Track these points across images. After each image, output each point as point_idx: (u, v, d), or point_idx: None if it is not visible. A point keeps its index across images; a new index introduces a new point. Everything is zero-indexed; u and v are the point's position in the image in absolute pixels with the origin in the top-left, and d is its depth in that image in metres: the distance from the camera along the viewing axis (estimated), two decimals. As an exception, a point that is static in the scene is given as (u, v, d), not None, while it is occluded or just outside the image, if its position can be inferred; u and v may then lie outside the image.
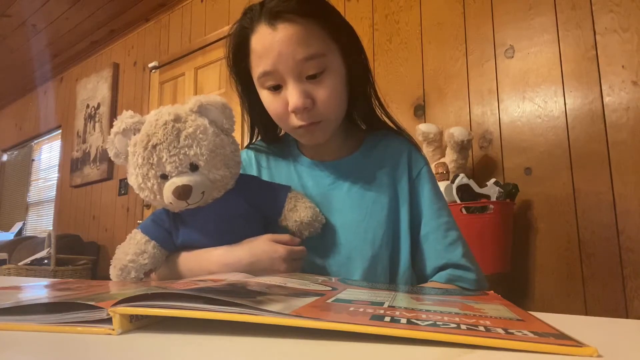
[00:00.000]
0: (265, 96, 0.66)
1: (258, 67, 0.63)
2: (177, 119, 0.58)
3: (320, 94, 0.62)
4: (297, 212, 0.64)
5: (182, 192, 0.56)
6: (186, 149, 0.56)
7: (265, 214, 0.67)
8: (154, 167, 0.57)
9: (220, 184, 0.60)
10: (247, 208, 0.65)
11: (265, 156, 0.80)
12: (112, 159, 0.62)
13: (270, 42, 0.61)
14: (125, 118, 0.60)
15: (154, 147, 0.56)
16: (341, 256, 0.67)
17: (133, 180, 0.60)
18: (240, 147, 0.65)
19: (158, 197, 0.59)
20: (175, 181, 0.57)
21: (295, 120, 0.64)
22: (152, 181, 0.58)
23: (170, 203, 0.58)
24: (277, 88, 0.63)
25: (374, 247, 0.67)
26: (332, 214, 0.69)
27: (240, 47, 0.67)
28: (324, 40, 0.63)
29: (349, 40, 0.67)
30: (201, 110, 0.60)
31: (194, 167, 0.58)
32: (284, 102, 0.63)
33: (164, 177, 0.58)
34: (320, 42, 0.62)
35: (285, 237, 0.63)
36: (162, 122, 0.57)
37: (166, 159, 0.56)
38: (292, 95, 0.61)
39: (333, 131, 0.69)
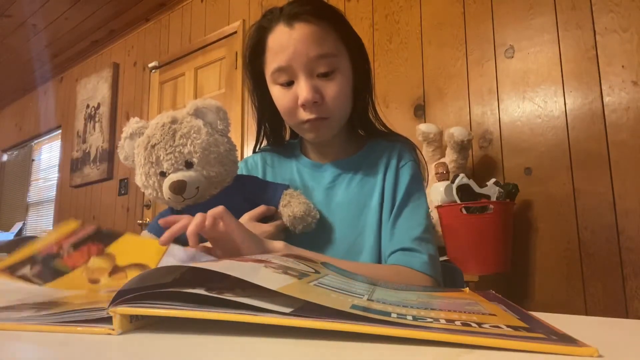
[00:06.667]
0: (276, 91, 0.69)
1: (273, 63, 0.67)
2: (174, 121, 0.64)
3: (329, 91, 0.66)
4: (291, 207, 0.67)
5: (177, 187, 0.61)
6: (181, 147, 0.62)
7: None
8: (153, 165, 0.63)
9: (215, 180, 0.65)
10: (244, 204, 0.67)
11: (271, 156, 0.83)
12: (122, 162, 0.69)
13: (287, 40, 0.65)
14: (132, 124, 0.67)
15: (153, 146, 0.62)
16: (340, 250, 0.70)
17: (138, 180, 0.66)
18: (239, 150, 0.67)
19: (159, 194, 0.64)
20: (171, 177, 0.62)
21: (303, 114, 0.67)
22: (153, 179, 0.64)
23: (169, 198, 0.63)
24: (288, 84, 0.67)
25: (370, 240, 0.70)
26: (332, 210, 0.73)
27: (257, 45, 0.71)
28: (336, 43, 0.67)
29: (358, 49, 0.72)
30: (197, 113, 0.65)
31: (189, 165, 0.63)
32: (294, 97, 0.66)
33: (163, 174, 0.63)
34: (333, 43, 0.67)
35: (260, 209, 0.66)
36: (160, 124, 0.63)
37: (163, 157, 0.62)
38: (303, 89, 0.65)
39: (337, 130, 0.72)
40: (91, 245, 0.52)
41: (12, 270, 0.48)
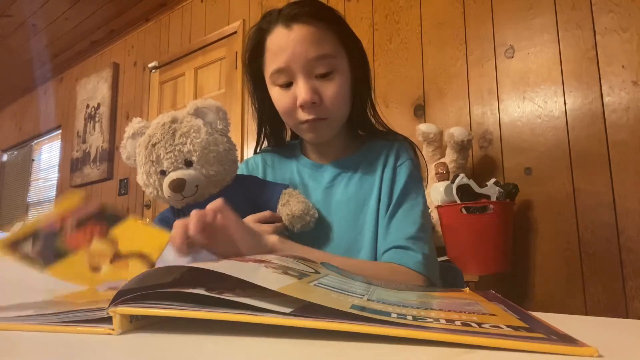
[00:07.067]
0: (276, 93, 0.70)
1: (272, 65, 0.68)
2: (174, 120, 0.65)
3: (327, 91, 0.66)
4: (289, 206, 0.68)
5: (177, 185, 0.62)
6: (180, 146, 0.63)
7: (262, 209, 0.70)
8: (154, 164, 0.64)
9: (215, 179, 0.66)
10: (244, 204, 0.68)
11: (271, 157, 0.84)
12: (125, 161, 0.69)
13: (285, 41, 0.65)
14: (134, 124, 0.68)
15: (153, 145, 0.63)
16: (340, 248, 0.70)
17: (139, 179, 0.67)
18: (239, 150, 0.68)
19: (160, 192, 0.65)
20: (171, 175, 0.63)
21: (302, 115, 0.68)
22: (153, 177, 0.65)
23: (169, 197, 0.64)
24: (287, 85, 0.67)
25: (369, 239, 0.70)
26: (331, 209, 0.73)
27: (256, 47, 0.71)
28: (335, 44, 0.67)
29: (357, 51, 0.72)
30: (197, 113, 0.66)
31: (188, 163, 0.64)
32: (293, 98, 0.67)
33: (163, 173, 0.64)
34: (332, 45, 0.67)
35: (266, 213, 0.67)
36: (161, 123, 0.64)
37: (163, 156, 0.63)
38: (301, 90, 0.65)
39: (336, 130, 0.73)
40: (94, 226, 0.52)
41: (15, 247, 0.48)
